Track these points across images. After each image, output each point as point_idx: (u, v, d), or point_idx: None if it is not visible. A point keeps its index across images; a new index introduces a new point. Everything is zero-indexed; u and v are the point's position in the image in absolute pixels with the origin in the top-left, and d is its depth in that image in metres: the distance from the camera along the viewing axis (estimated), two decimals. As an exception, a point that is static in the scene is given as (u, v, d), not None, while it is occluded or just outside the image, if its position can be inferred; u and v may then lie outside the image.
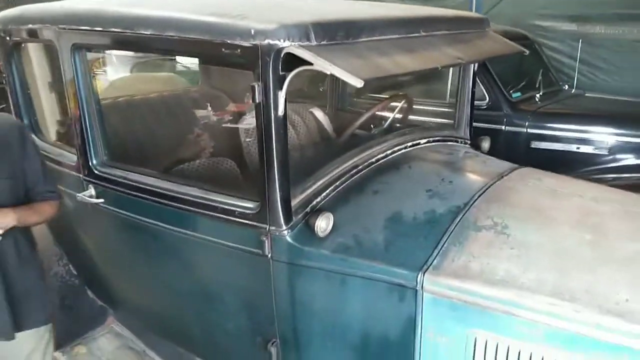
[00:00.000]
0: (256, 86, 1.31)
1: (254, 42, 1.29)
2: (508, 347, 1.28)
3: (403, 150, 1.89)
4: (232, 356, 1.84)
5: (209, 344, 1.88)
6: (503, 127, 3.44)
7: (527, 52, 2.09)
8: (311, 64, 1.27)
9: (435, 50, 1.63)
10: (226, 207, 1.53)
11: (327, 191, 1.59)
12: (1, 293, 1.58)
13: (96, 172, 1.84)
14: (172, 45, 1.43)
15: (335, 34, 1.36)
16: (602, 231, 1.37)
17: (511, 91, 3.52)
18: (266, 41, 1.28)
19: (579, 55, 4.22)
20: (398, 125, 2.31)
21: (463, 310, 1.32)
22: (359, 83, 1.21)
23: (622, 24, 4.20)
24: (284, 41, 1.28)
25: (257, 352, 1.69)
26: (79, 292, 2.44)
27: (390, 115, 2.34)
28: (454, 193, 1.56)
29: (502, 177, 1.66)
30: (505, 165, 1.83)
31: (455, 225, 1.44)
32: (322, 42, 1.32)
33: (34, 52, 2.19)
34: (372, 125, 2.29)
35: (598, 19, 4.27)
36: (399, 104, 2.33)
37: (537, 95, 3.57)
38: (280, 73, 1.31)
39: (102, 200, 1.85)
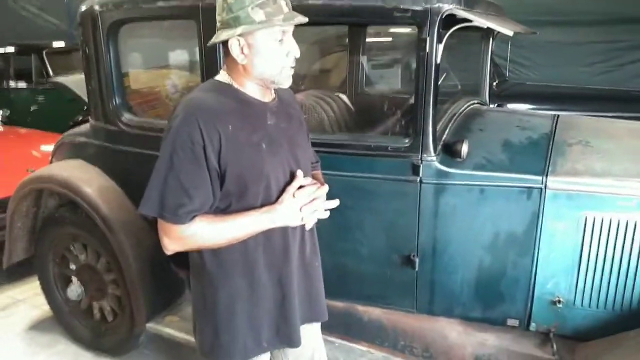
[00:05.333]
0: (427, 39, 1.73)
1: (425, 6, 1.71)
2: (610, 220, 1.81)
3: (470, 106, 2.39)
4: (363, 282, 2.15)
5: (337, 280, 2.16)
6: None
7: (537, 32, 2.72)
8: (469, 21, 1.73)
9: (505, 22, 2.17)
10: (379, 144, 1.91)
11: (447, 130, 2.03)
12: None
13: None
14: (343, 11, 1.79)
15: (466, 2, 1.84)
16: (650, 138, 1.99)
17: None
18: (437, 4, 1.71)
19: (508, 55, 5.13)
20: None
21: (576, 199, 1.83)
22: (510, 33, 1.70)
23: (537, 29, 5.19)
24: (449, 5, 1.72)
25: (392, 269, 2.05)
26: (162, 265, 2.55)
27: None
28: (536, 126, 2.10)
29: (557, 116, 2.23)
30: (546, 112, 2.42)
31: (552, 144, 1.96)
32: (466, 8, 1.79)
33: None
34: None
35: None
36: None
37: (494, 84, 4.33)
38: (442, 30, 1.75)
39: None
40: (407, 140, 1.88)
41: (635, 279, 1.84)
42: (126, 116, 2.37)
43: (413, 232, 1.97)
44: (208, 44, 1.40)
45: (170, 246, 1.32)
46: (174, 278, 2.62)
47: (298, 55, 1.34)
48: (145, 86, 2.99)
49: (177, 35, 3.07)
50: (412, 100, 2.87)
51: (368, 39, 3.35)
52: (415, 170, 1.88)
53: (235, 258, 1.37)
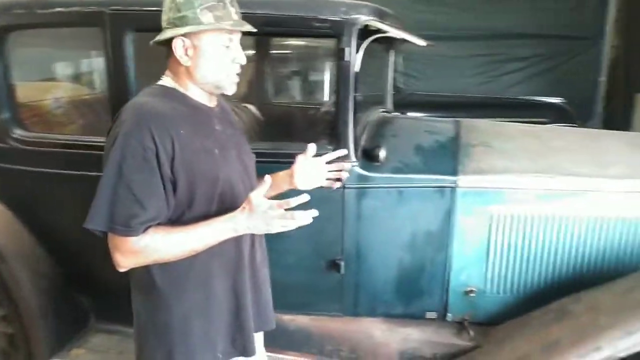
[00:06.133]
0: (346, 50, 1.79)
1: (343, 17, 1.77)
2: (512, 212, 2.00)
3: (379, 114, 2.51)
4: (289, 290, 2.14)
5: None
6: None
7: (434, 45, 2.93)
8: (383, 32, 1.82)
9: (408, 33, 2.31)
10: (302, 152, 1.92)
11: (363, 136, 2.11)
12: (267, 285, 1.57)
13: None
14: (264, 22, 1.78)
15: (379, 15, 1.93)
16: (539, 136, 2.23)
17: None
18: (354, 16, 1.78)
19: (401, 68, 5.48)
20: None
21: (483, 195, 2.00)
22: (423, 43, 1.82)
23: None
24: (366, 16, 1.79)
25: (318, 274, 2.07)
26: (64, 294, 2.33)
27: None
28: (442, 130, 2.25)
29: (458, 119, 2.42)
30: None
31: (459, 146, 2.12)
32: (379, 20, 1.88)
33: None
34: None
35: (409, 39, 5.62)
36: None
37: (390, 94, 4.58)
38: (358, 41, 1.82)
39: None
40: (330, 147, 1.93)
41: (535, 264, 2.05)
42: (17, 132, 2.15)
43: (338, 237, 2.02)
44: (152, 42, 1.34)
45: (124, 262, 1.23)
46: (78, 307, 2.42)
47: (244, 62, 1.33)
48: (33, 99, 2.73)
49: (72, 45, 2.86)
50: (323, 109, 2.96)
51: (274, 51, 3.39)
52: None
53: (188, 270, 1.30)
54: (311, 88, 4.21)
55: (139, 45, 1.90)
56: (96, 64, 3.54)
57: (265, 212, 1.25)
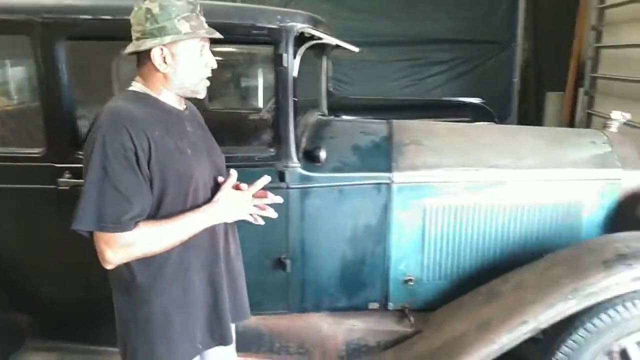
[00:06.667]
0: (284, 55, 1.87)
1: (280, 24, 1.85)
2: (444, 204, 2.17)
3: (317, 117, 2.61)
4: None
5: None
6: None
7: (364, 51, 3.07)
8: (318, 39, 1.91)
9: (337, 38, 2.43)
10: (246, 155, 1.98)
11: (303, 139, 2.19)
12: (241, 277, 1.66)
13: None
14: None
15: (313, 23, 2.03)
16: (466, 134, 2.42)
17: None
18: (290, 23, 1.86)
19: (331, 73, 5.62)
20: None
21: (417, 189, 2.15)
22: (356, 49, 1.93)
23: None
24: (301, 24, 1.88)
25: (265, 274, 2.12)
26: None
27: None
28: (376, 131, 2.38)
29: (391, 120, 2.56)
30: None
31: (392, 145, 2.25)
32: (313, 27, 1.98)
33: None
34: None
35: (337, 44, 5.80)
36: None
37: (324, 97, 4.71)
38: (295, 47, 1.90)
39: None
40: (272, 150, 2.00)
41: (467, 251, 2.22)
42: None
43: (283, 236, 2.09)
44: (125, 53, 1.37)
45: (115, 258, 1.28)
46: (14, 325, 2.31)
47: (215, 66, 1.43)
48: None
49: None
50: (261, 114, 3.01)
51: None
52: (281, 177, 2.00)
53: (166, 264, 1.36)
54: (245, 94, 4.25)
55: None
56: (13, 73, 3.39)
57: (237, 199, 1.45)
